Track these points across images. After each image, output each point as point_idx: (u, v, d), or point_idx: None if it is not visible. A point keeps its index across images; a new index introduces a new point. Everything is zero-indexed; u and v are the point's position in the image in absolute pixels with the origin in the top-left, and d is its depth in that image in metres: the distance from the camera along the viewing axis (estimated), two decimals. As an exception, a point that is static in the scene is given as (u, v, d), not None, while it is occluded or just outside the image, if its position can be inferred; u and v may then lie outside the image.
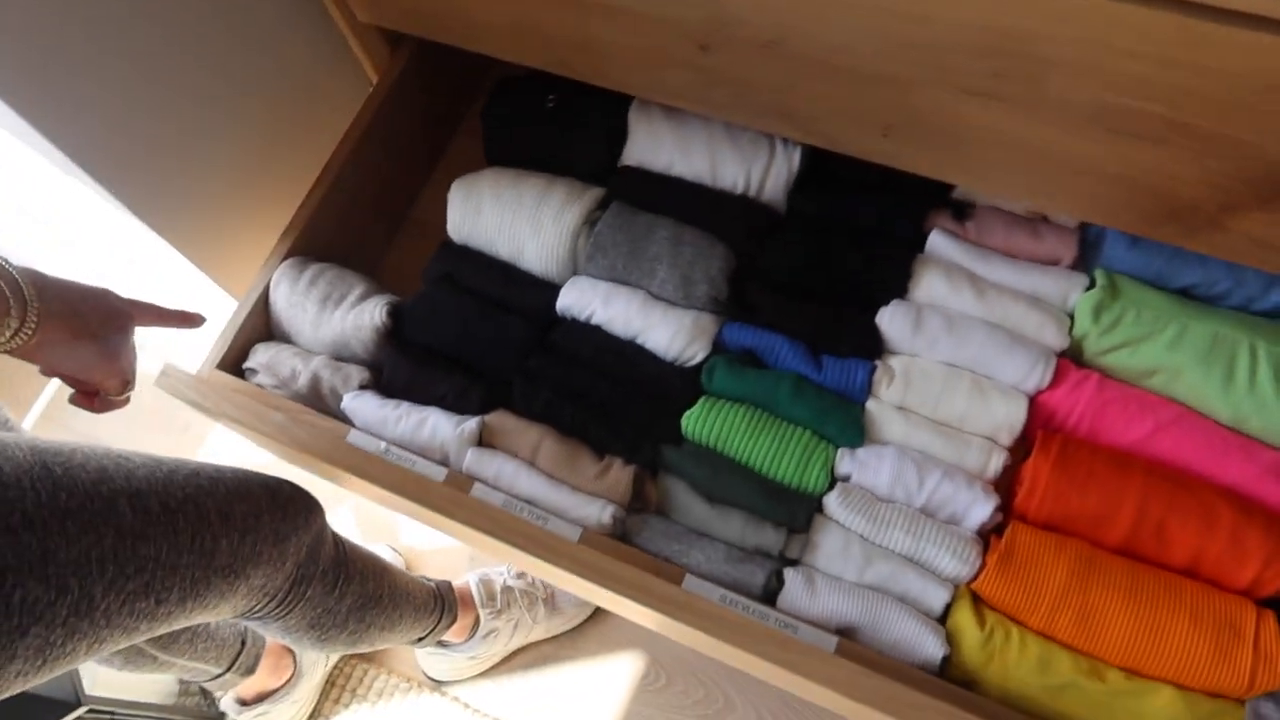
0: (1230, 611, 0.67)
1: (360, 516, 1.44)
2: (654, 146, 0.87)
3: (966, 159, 0.72)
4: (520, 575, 1.26)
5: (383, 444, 0.79)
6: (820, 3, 0.65)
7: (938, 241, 0.82)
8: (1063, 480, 0.72)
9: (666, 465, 0.78)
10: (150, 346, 1.62)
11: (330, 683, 1.34)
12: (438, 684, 1.32)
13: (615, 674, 1.32)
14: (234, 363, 0.88)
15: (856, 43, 0.67)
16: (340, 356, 0.87)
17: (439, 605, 1.12)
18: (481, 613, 1.20)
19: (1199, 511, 0.70)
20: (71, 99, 0.75)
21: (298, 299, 0.87)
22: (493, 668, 1.32)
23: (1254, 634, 0.66)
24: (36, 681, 0.66)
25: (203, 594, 0.75)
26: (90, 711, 1.02)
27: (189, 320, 0.80)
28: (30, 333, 0.66)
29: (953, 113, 0.69)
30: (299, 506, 0.83)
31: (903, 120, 0.72)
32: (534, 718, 1.31)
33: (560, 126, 0.91)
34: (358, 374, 0.84)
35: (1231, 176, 0.64)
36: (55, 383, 1.63)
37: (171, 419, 1.61)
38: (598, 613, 1.34)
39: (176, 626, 0.77)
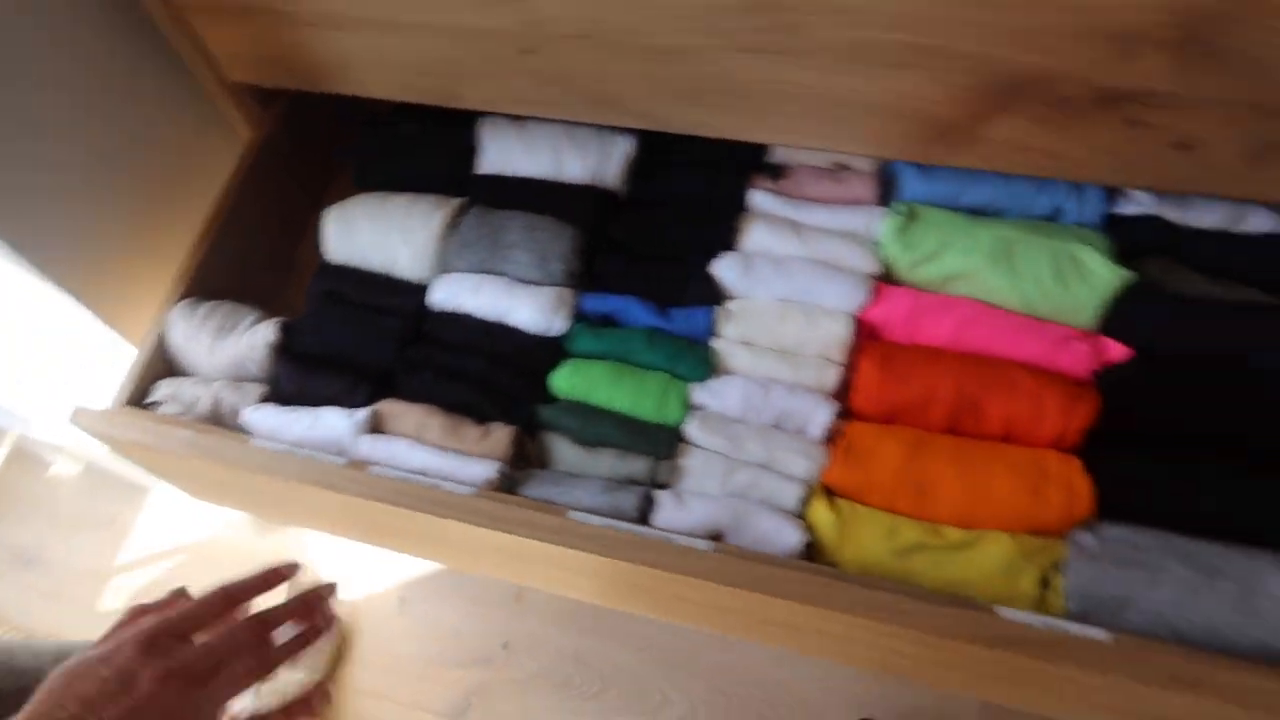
0: (1041, 461, 0.77)
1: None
2: (504, 155, 0.97)
3: (761, 115, 0.83)
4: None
5: (284, 446, 0.86)
6: None
7: (758, 198, 0.92)
8: (887, 378, 0.81)
9: (542, 423, 0.86)
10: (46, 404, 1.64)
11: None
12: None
13: (549, 688, 1.36)
14: (139, 399, 0.94)
15: (648, 21, 0.77)
16: (239, 379, 0.93)
17: None
18: None
19: (1004, 385, 0.80)
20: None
21: (193, 332, 0.94)
22: (421, 695, 1.35)
23: (1063, 477, 0.76)
24: None
25: None
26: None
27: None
28: None
29: (738, 73, 0.79)
30: None
31: (703, 88, 0.82)
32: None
33: (420, 150, 1.00)
34: (255, 390, 0.91)
35: (970, 89, 0.74)
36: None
37: (96, 514, 1.63)
38: (511, 643, 1.37)
39: None
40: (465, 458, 0.82)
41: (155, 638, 0.56)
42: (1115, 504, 0.76)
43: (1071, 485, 0.75)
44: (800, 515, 0.79)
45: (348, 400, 0.88)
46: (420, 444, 0.84)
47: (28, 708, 0.53)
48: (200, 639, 0.58)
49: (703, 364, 0.85)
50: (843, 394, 0.85)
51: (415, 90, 0.93)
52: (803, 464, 0.80)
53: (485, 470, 0.81)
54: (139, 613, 0.61)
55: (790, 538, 0.77)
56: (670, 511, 0.79)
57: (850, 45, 0.74)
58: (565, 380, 0.86)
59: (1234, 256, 0.83)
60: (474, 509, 0.79)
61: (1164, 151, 0.75)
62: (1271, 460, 0.76)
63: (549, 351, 0.88)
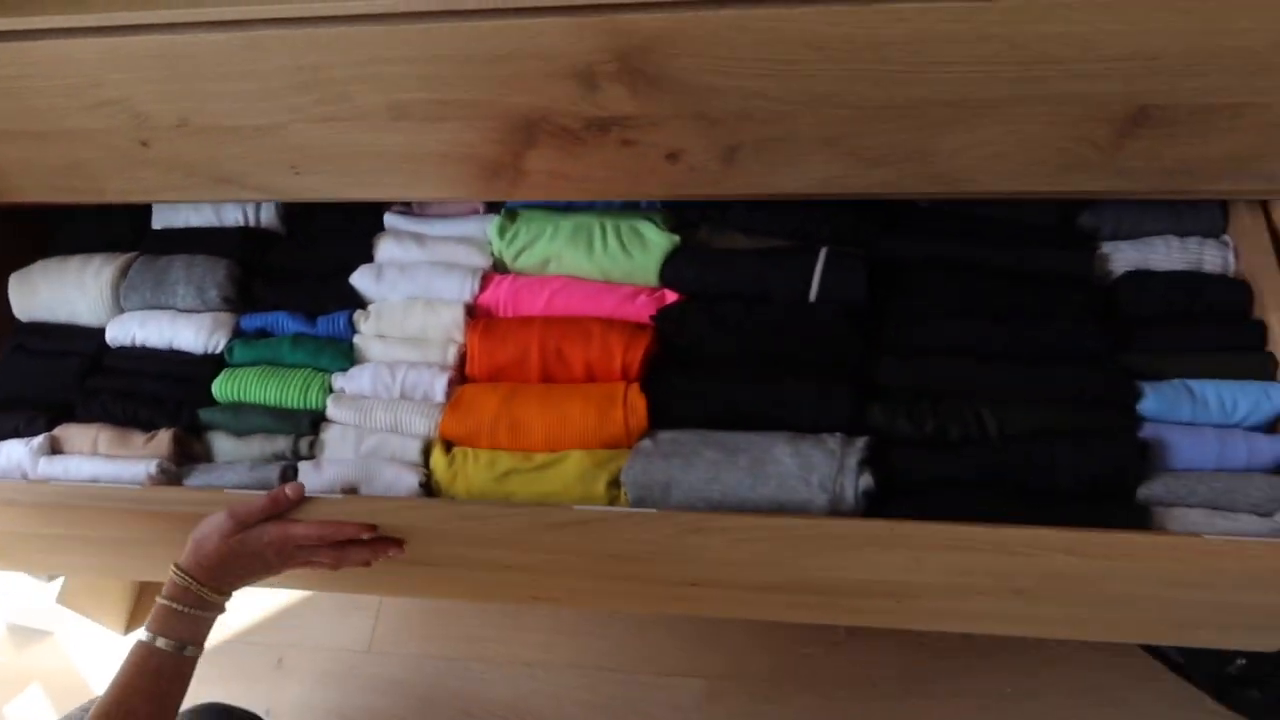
0: (608, 390, 0.95)
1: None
2: (173, 211, 1.12)
3: (351, 175, 0.95)
4: None
5: (-32, 482, 0.96)
6: (189, 79, 0.88)
7: (390, 219, 1.10)
8: (488, 344, 0.99)
9: (204, 424, 1.00)
10: None
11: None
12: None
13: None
14: None
15: (231, 106, 0.90)
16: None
17: None
18: None
19: (580, 335, 0.98)
20: None
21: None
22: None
23: (624, 399, 0.94)
24: None
25: None
26: None
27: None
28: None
29: (316, 141, 0.92)
30: None
31: (297, 159, 0.94)
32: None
33: (104, 219, 1.14)
34: (-60, 440, 1.01)
35: (496, 131, 0.88)
36: None
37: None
38: (273, 709, 1.40)
39: None
40: (132, 461, 0.95)
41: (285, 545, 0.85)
42: (668, 414, 0.94)
43: (630, 405, 0.93)
44: (423, 464, 0.95)
45: (28, 431, 0.99)
46: (93, 457, 0.96)
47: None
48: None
49: (342, 357, 1.01)
50: (463, 367, 1.02)
51: (66, 191, 1.02)
52: (424, 424, 0.96)
53: (146, 467, 0.93)
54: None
55: (410, 481, 0.92)
56: (309, 476, 0.93)
57: (390, 106, 0.88)
58: (221, 386, 1.00)
59: (762, 216, 1.04)
60: (135, 498, 0.91)
61: (660, 164, 0.91)
62: (787, 367, 0.96)
63: (211, 366, 1.02)
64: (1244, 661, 1.14)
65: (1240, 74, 0.75)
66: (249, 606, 1.49)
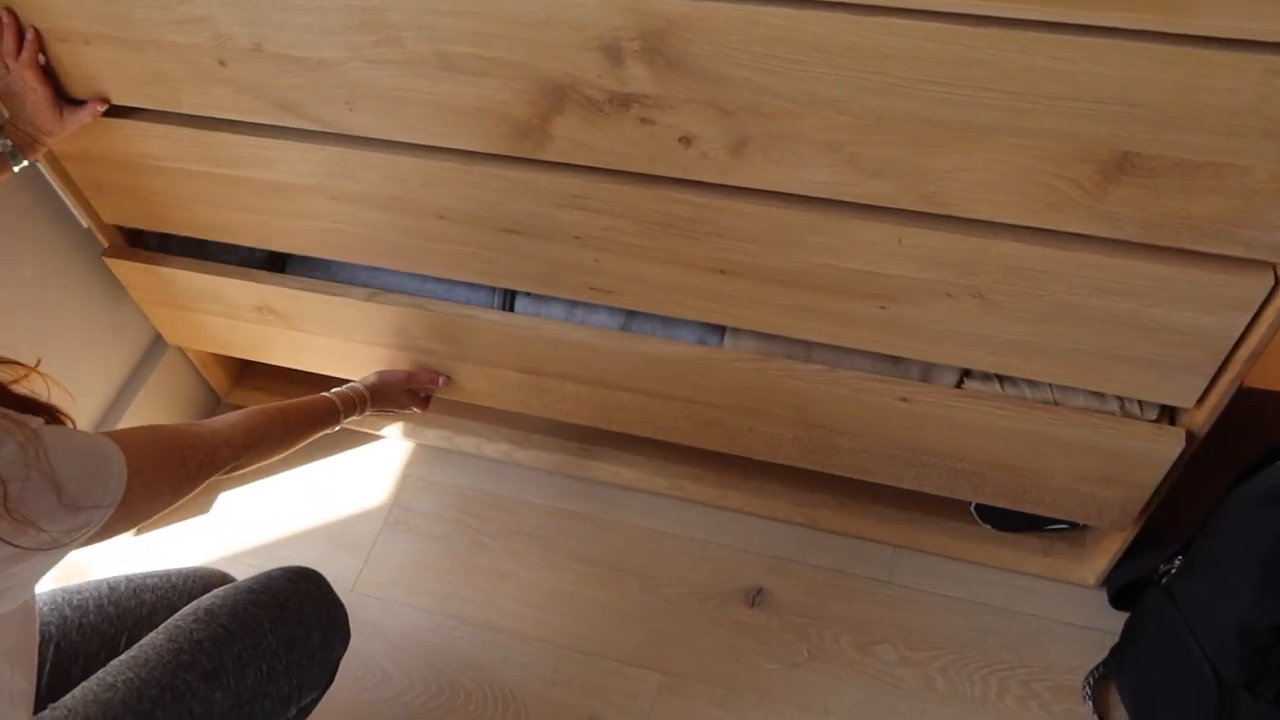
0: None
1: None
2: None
3: (397, 118, 1.02)
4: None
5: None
6: (265, 7, 0.96)
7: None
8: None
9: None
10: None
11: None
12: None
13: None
14: None
15: (299, 38, 0.96)
16: None
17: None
18: None
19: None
20: None
21: None
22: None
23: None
24: None
25: None
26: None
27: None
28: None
29: (371, 81, 0.98)
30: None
31: (352, 95, 1.01)
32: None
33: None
34: None
35: (528, 93, 0.94)
36: None
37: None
38: None
39: None
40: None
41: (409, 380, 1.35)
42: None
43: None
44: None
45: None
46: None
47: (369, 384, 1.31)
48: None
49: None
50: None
51: (146, 97, 1.11)
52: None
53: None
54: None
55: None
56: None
57: (438, 56, 0.94)
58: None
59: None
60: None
61: (674, 146, 0.95)
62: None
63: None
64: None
65: (1219, 133, 0.77)
66: (246, 530, 1.55)
